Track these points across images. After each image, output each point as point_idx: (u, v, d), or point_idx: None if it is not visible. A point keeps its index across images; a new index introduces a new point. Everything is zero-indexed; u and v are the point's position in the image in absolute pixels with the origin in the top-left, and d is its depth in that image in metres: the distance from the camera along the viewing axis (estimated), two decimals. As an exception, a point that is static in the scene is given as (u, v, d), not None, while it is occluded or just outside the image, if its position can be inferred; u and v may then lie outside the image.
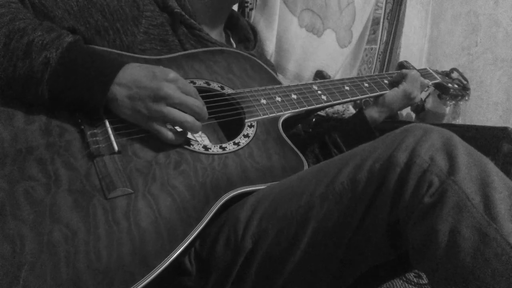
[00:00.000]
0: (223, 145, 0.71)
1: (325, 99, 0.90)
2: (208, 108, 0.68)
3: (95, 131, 0.63)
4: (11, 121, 0.60)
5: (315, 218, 0.59)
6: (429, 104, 1.92)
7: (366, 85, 0.99)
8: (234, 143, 0.73)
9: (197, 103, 0.65)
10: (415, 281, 1.09)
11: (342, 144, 0.92)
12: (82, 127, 0.63)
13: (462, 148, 0.54)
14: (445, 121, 1.98)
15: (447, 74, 1.31)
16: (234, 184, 0.66)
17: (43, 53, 0.59)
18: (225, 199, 0.63)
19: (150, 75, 0.63)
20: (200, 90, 0.75)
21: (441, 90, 1.26)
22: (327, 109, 1.55)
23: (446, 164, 0.53)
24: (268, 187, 0.67)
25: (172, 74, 0.64)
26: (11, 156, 0.56)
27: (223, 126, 0.82)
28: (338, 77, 1.81)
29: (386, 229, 0.56)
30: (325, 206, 0.59)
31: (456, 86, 1.27)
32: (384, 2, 2.12)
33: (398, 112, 1.21)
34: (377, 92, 0.99)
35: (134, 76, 0.63)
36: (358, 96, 0.96)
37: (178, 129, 0.66)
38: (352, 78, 1.00)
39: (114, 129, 0.64)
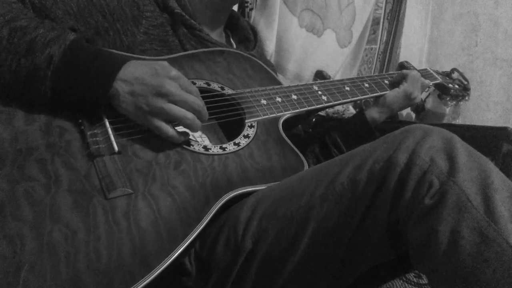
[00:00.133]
0: (223, 146, 0.71)
1: (325, 99, 0.90)
2: (208, 108, 0.68)
3: (95, 131, 0.63)
4: (11, 121, 0.60)
5: (315, 218, 0.59)
6: (429, 104, 1.92)
7: (367, 85, 0.99)
8: (234, 144, 0.73)
9: (198, 101, 0.65)
10: (415, 281, 1.09)
11: (342, 144, 0.92)
12: (82, 127, 0.63)
13: (462, 149, 0.54)
14: (445, 121, 1.98)
15: (447, 75, 1.31)
16: (234, 184, 0.66)
17: (46, 50, 0.59)
18: (225, 200, 0.63)
19: (153, 72, 0.63)
20: (201, 90, 0.75)
21: (442, 91, 1.26)
22: (327, 109, 1.55)
23: (446, 164, 0.53)
24: (268, 188, 0.67)
25: (174, 71, 0.64)
26: (11, 156, 0.56)
27: (223, 127, 0.82)
28: (338, 77, 1.81)
29: (386, 230, 0.56)
30: (325, 206, 0.59)
31: (456, 86, 1.27)
32: (384, 2, 2.12)
33: (398, 112, 1.21)
34: (378, 92, 0.99)
35: (137, 72, 0.63)
36: (358, 96, 0.96)
37: (179, 129, 0.66)
38: (352, 78, 1.00)
39: (114, 130, 0.64)
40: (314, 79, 1.63)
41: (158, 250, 0.53)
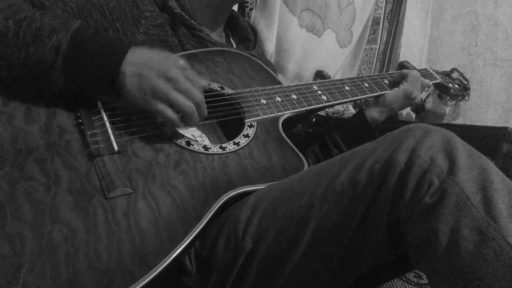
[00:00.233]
0: (223, 145, 0.71)
1: (325, 99, 0.90)
2: (208, 108, 0.68)
3: (95, 131, 0.63)
4: (11, 121, 0.60)
5: (315, 218, 0.59)
6: (429, 104, 1.92)
7: (367, 85, 0.99)
8: (234, 143, 0.73)
9: (200, 95, 0.65)
10: (415, 281, 1.09)
11: (343, 144, 0.92)
12: (82, 127, 0.63)
13: (462, 148, 0.54)
14: (445, 121, 1.98)
15: (447, 74, 1.31)
16: (234, 184, 0.66)
17: (53, 36, 0.60)
18: (225, 199, 0.63)
19: (162, 57, 0.64)
20: (200, 90, 0.75)
21: (442, 90, 1.26)
22: (327, 109, 1.55)
23: (446, 164, 0.53)
24: (268, 187, 0.67)
25: (182, 61, 0.65)
26: (11, 156, 0.56)
27: (223, 126, 0.82)
28: (338, 77, 1.81)
29: (386, 229, 0.56)
30: (325, 206, 0.59)
31: (456, 86, 1.27)
32: (384, 2, 2.12)
33: (398, 112, 1.21)
34: (378, 92, 0.99)
35: (145, 56, 0.64)
36: (358, 96, 0.96)
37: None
38: (352, 78, 0.99)
39: (114, 129, 0.64)
40: (314, 79, 1.63)
41: (158, 249, 0.53)
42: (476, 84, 2.21)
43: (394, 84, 1.02)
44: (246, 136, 0.75)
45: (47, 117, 0.62)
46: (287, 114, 0.83)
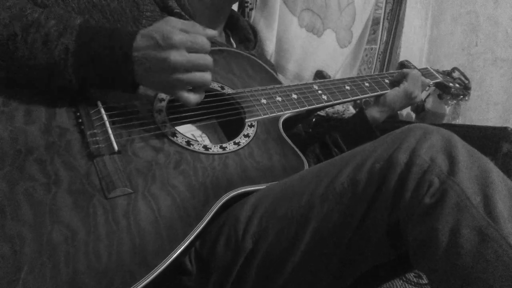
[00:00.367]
0: (223, 145, 0.71)
1: (325, 98, 0.90)
2: (208, 108, 0.68)
3: (95, 131, 0.63)
4: (11, 121, 0.60)
5: (315, 218, 0.59)
6: (429, 104, 1.92)
7: (367, 84, 0.98)
8: (235, 143, 0.73)
9: (207, 42, 0.64)
10: (415, 281, 1.09)
11: (343, 144, 0.92)
12: (82, 127, 0.63)
13: (462, 148, 0.54)
14: (445, 121, 1.98)
15: (448, 74, 1.31)
16: (234, 184, 0.66)
17: (60, 40, 0.60)
18: (225, 199, 0.63)
19: (160, 26, 0.62)
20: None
21: (442, 90, 1.26)
22: (327, 109, 1.55)
23: (447, 164, 0.53)
24: (268, 187, 0.67)
25: (180, 22, 0.63)
26: (10, 157, 0.56)
27: (223, 126, 0.82)
28: (338, 77, 1.81)
29: (386, 229, 0.56)
30: (325, 206, 0.59)
31: (457, 85, 1.27)
32: (384, 2, 2.12)
33: (398, 112, 1.21)
34: (378, 91, 0.98)
35: (146, 36, 0.62)
36: (358, 95, 0.95)
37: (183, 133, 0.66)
38: (352, 77, 0.99)
39: (114, 129, 0.64)
40: (314, 79, 1.63)
41: (158, 249, 0.53)
42: (476, 84, 2.21)
43: (394, 83, 1.02)
44: (247, 136, 0.75)
45: (47, 117, 0.62)
46: (287, 114, 0.83)
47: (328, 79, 0.97)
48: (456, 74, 1.31)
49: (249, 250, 0.62)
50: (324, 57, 1.72)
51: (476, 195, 0.50)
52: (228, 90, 0.81)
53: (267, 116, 0.80)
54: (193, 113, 0.73)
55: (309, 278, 0.62)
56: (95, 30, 0.63)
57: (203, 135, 0.79)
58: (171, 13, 0.84)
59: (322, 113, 1.54)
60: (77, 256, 0.50)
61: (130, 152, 0.63)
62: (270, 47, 1.50)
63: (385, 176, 0.55)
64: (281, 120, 0.82)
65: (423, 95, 1.22)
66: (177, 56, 0.61)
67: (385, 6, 2.13)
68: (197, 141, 0.70)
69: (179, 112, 0.72)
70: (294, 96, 0.86)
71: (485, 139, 1.24)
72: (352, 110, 1.59)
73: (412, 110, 2.03)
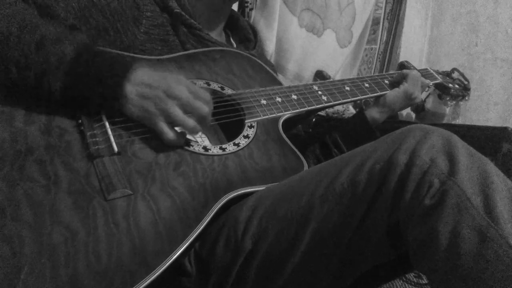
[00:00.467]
0: (223, 146, 0.71)
1: (325, 99, 0.90)
2: None
3: (94, 132, 0.63)
4: (11, 121, 0.60)
5: (315, 219, 0.59)
6: (429, 104, 1.92)
7: (367, 85, 0.98)
8: (234, 144, 0.73)
9: (204, 109, 0.65)
10: (415, 281, 1.09)
11: (343, 144, 0.92)
12: (82, 128, 0.63)
13: (463, 149, 0.54)
14: (445, 121, 1.98)
15: (447, 74, 1.31)
16: (234, 185, 0.66)
17: (58, 47, 0.60)
18: (225, 200, 0.63)
19: (162, 77, 0.64)
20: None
21: (442, 90, 1.26)
22: (327, 109, 1.55)
23: (447, 165, 0.53)
24: (268, 188, 0.67)
25: (184, 79, 0.66)
26: (10, 157, 0.56)
27: (223, 127, 0.82)
28: (338, 77, 1.81)
29: (386, 230, 0.56)
30: (325, 206, 0.59)
31: (457, 86, 1.27)
32: (384, 2, 2.12)
33: (398, 112, 1.20)
34: (378, 92, 0.98)
35: (146, 76, 0.64)
36: (358, 96, 0.96)
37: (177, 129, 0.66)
38: (352, 78, 0.99)
39: (113, 130, 0.64)
40: (314, 79, 1.63)
41: (158, 251, 0.53)
42: (476, 84, 2.21)
43: (394, 84, 1.02)
44: (246, 137, 0.75)
45: (47, 117, 0.62)
46: (287, 114, 0.83)
47: (328, 80, 0.97)
48: (455, 75, 1.31)
49: (249, 251, 0.62)
50: (324, 57, 1.72)
51: (476, 196, 0.50)
52: (228, 91, 0.81)
53: (267, 117, 0.80)
54: None
55: (309, 278, 0.61)
56: (95, 51, 0.64)
57: (203, 135, 0.79)
58: (171, 13, 0.84)
59: (322, 113, 1.54)
60: (77, 257, 0.50)
61: (130, 153, 0.63)
62: (270, 47, 1.50)
63: (385, 177, 0.55)
64: (281, 121, 0.82)
65: (423, 96, 1.22)
66: (181, 89, 0.64)
67: (385, 6, 2.13)
68: (197, 142, 0.70)
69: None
70: (294, 96, 0.86)
71: (485, 139, 1.24)
72: (352, 110, 1.59)
73: (412, 110, 2.03)
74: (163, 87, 0.63)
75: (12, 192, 0.53)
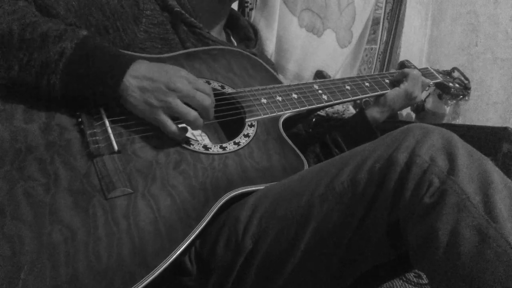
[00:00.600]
0: (223, 145, 0.71)
1: (326, 98, 0.90)
2: None
3: (94, 130, 0.63)
4: (11, 120, 0.59)
5: (315, 218, 0.59)
6: (429, 104, 1.92)
7: (367, 84, 0.98)
8: (235, 143, 0.73)
9: (207, 100, 0.66)
10: (415, 281, 1.09)
11: (343, 143, 0.92)
12: (82, 126, 0.63)
13: (462, 148, 0.54)
14: (445, 121, 1.98)
15: (448, 74, 1.31)
16: (234, 184, 0.66)
17: (59, 43, 0.60)
18: (225, 199, 0.63)
19: (163, 70, 0.65)
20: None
21: (442, 90, 1.26)
22: (327, 109, 1.55)
23: (446, 164, 0.53)
24: (268, 187, 0.67)
25: (184, 71, 0.66)
26: (10, 156, 0.56)
27: (223, 126, 0.82)
28: (338, 77, 1.81)
29: (386, 229, 0.56)
30: (325, 206, 0.59)
31: (457, 85, 1.27)
32: (384, 2, 2.12)
33: (398, 112, 1.20)
34: (378, 91, 0.98)
35: (146, 69, 0.64)
36: (359, 95, 0.95)
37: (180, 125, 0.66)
38: (353, 77, 0.99)
39: (113, 129, 0.64)
40: (314, 79, 1.63)
41: (158, 250, 0.53)
42: (476, 84, 2.21)
43: (394, 83, 1.02)
44: (247, 135, 0.75)
45: (46, 116, 0.62)
46: (287, 113, 0.83)
47: (328, 79, 0.97)
48: (456, 74, 1.31)
49: (249, 250, 0.62)
50: (324, 57, 1.72)
51: (476, 195, 0.50)
52: (228, 90, 0.81)
53: (267, 115, 0.80)
54: None
55: (309, 278, 0.61)
56: (95, 44, 0.64)
57: (203, 134, 0.79)
58: (171, 11, 0.84)
59: (322, 113, 1.54)
60: (77, 256, 0.50)
61: (130, 151, 0.63)
62: (270, 47, 1.49)
63: (385, 176, 0.55)
64: (281, 120, 0.81)
65: (423, 95, 1.22)
66: (182, 81, 0.64)
67: (385, 6, 2.13)
68: (197, 140, 0.70)
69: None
70: (294, 95, 0.86)
71: (485, 139, 1.24)
72: (352, 110, 1.59)
73: (412, 110, 2.04)
74: (163, 79, 0.63)
75: (12, 191, 0.53)
